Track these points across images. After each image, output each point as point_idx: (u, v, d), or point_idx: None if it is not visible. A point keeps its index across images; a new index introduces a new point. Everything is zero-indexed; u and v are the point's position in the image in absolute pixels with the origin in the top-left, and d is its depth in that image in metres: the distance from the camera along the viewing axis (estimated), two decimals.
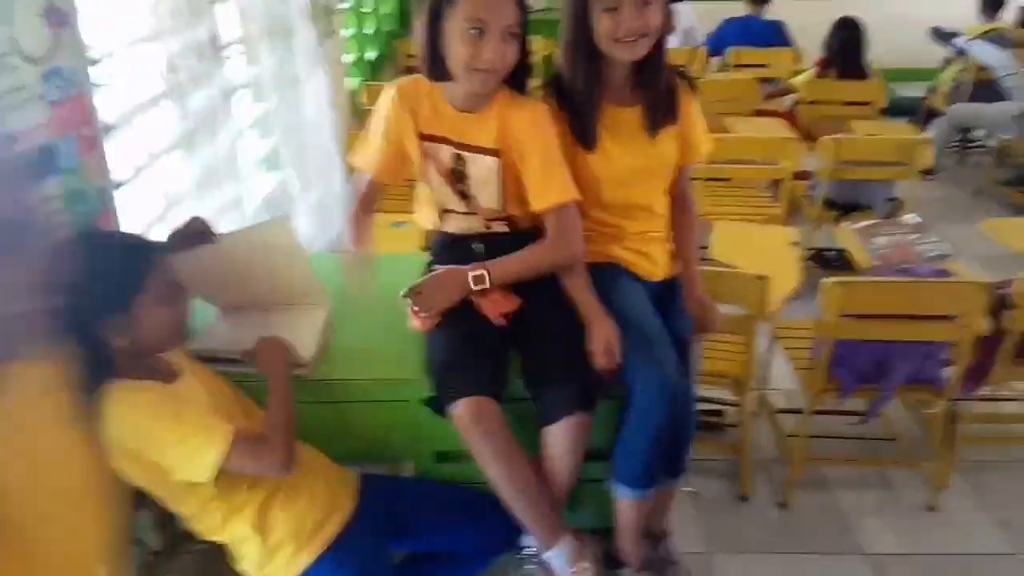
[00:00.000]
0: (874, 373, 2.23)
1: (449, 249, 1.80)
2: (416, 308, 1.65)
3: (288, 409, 1.48)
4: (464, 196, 1.72)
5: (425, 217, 1.85)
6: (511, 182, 1.70)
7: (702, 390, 2.43)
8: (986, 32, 4.94)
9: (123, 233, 1.66)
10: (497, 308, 1.65)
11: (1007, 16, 5.15)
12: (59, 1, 1.51)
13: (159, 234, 1.79)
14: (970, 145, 5.48)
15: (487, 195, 1.71)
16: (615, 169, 1.72)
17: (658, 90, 1.70)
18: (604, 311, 1.64)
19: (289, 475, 1.43)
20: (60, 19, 1.51)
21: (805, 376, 2.30)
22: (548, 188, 1.65)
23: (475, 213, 1.73)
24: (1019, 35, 5.09)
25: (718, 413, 2.64)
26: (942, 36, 5.11)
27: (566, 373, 1.59)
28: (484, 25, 1.51)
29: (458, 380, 1.55)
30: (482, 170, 1.68)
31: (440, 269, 1.69)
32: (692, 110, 1.78)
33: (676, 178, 1.84)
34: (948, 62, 5.29)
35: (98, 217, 1.64)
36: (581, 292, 1.67)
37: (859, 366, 2.23)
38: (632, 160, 1.72)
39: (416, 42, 1.65)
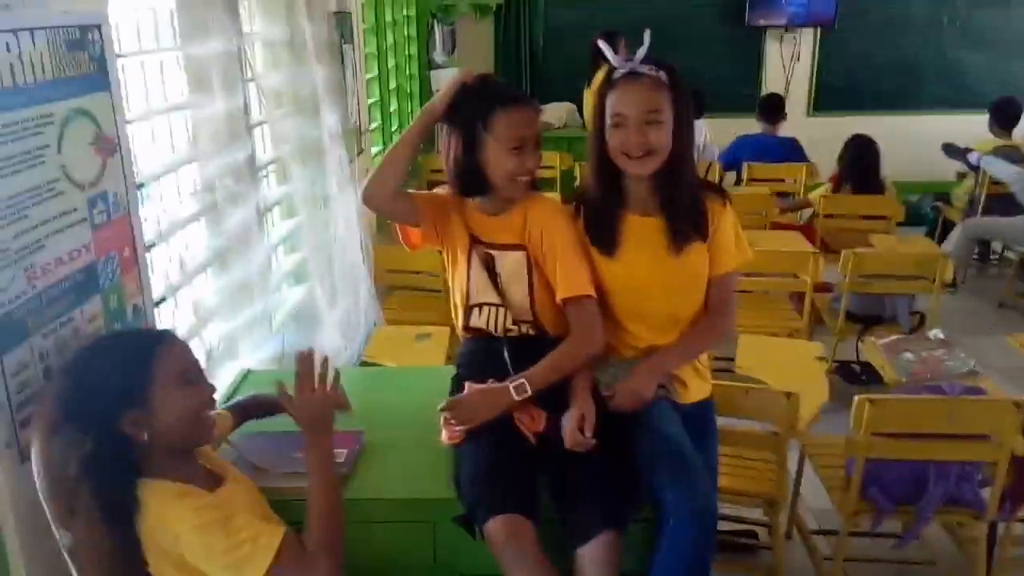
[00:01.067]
0: (910, 493, 2.17)
1: (476, 355, 1.82)
2: (453, 421, 1.66)
3: (338, 509, 1.43)
4: (498, 289, 1.78)
5: (458, 318, 1.88)
6: (539, 278, 1.77)
7: (733, 510, 2.37)
8: (998, 148, 5.04)
9: (126, 329, 1.62)
10: (530, 426, 1.66)
11: (1018, 132, 5.27)
12: (107, 130, 1.58)
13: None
14: (990, 258, 5.50)
15: (517, 291, 1.77)
16: (638, 278, 1.76)
17: (680, 204, 1.74)
18: (589, 394, 1.67)
19: None
20: (109, 148, 1.58)
21: (838, 496, 2.23)
22: (573, 279, 1.73)
23: (506, 307, 1.78)
24: None
25: (751, 534, 2.56)
26: (955, 152, 5.21)
27: (596, 489, 1.57)
28: (523, 142, 1.68)
29: (491, 497, 1.53)
30: (511, 265, 1.77)
31: (474, 386, 1.70)
32: (725, 223, 1.79)
33: (711, 290, 1.82)
34: (962, 176, 5.38)
35: None
36: (580, 373, 1.71)
37: (894, 486, 2.17)
38: (655, 270, 1.75)
39: (446, 163, 1.76)
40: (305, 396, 1.48)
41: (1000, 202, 4.85)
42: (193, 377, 1.39)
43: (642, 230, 1.76)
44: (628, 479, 1.62)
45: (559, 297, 1.74)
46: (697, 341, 1.83)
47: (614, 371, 1.75)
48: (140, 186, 1.78)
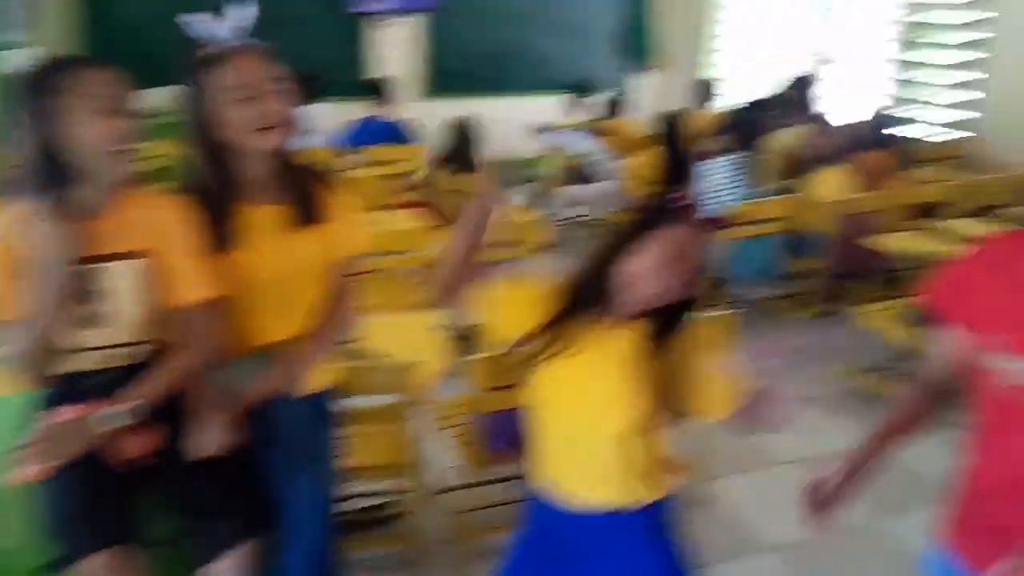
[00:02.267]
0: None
1: (67, 381, 1.59)
2: (37, 457, 1.44)
3: None
4: (88, 324, 1.54)
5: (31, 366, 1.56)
6: (154, 286, 1.58)
7: (370, 485, 2.42)
8: (578, 125, 5.78)
9: None
10: (139, 447, 1.50)
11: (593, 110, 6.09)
12: None
13: None
14: (579, 220, 6.29)
15: (129, 307, 1.56)
16: (263, 269, 1.68)
17: (299, 187, 1.71)
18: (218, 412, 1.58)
19: None
20: None
21: (465, 451, 2.39)
22: (193, 281, 1.59)
23: (108, 345, 1.56)
24: (605, 126, 6.04)
25: (390, 505, 2.62)
26: (543, 131, 5.87)
27: (227, 503, 1.50)
28: (116, 103, 1.48)
29: (88, 532, 1.39)
30: (121, 277, 1.54)
31: (68, 409, 1.49)
32: (341, 208, 1.78)
33: (332, 276, 1.81)
34: (549, 152, 6.08)
35: None
36: (196, 379, 1.60)
37: (511, 433, 2.38)
38: (279, 258, 1.69)
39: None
40: None
41: (577, 172, 5.58)
42: None
43: (262, 220, 1.68)
44: (254, 486, 1.57)
45: (179, 303, 1.58)
46: (328, 330, 1.81)
47: (243, 368, 1.65)
48: None
